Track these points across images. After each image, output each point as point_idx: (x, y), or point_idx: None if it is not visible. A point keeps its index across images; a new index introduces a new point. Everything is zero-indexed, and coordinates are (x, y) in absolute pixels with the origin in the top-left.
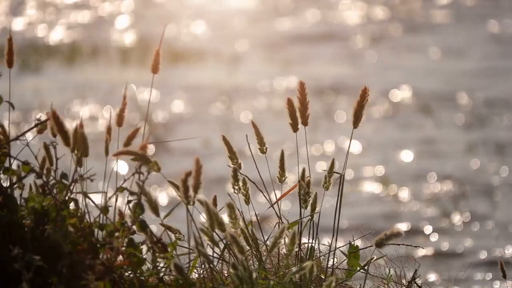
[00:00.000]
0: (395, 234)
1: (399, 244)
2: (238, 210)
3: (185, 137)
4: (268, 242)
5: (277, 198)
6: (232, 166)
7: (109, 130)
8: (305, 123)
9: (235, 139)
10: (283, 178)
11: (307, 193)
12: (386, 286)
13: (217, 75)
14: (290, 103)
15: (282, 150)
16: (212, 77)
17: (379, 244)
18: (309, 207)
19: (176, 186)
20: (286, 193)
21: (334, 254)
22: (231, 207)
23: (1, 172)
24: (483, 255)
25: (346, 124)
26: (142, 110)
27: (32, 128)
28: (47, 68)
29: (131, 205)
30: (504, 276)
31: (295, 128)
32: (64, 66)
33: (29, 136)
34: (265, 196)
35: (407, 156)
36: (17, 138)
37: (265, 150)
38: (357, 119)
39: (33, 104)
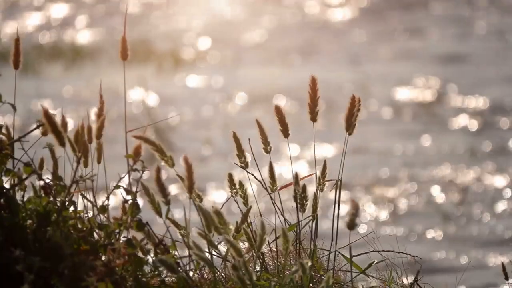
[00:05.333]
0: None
1: (395, 251)
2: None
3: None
4: (271, 244)
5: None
6: (239, 164)
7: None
8: (314, 119)
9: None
10: (275, 187)
11: (304, 197)
12: None
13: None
14: (278, 110)
15: (270, 161)
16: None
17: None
18: (307, 210)
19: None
20: (284, 186)
21: (334, 256)
22: (217, 213)
23: (3, 173)
24: (481, 256)
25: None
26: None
27: (33, 130)
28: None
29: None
30: (506, 278)
31: (286, 134)
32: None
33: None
34: (268, 193)
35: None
36: (19, 139)
37: (269, 150)
38: (349, 125)
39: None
